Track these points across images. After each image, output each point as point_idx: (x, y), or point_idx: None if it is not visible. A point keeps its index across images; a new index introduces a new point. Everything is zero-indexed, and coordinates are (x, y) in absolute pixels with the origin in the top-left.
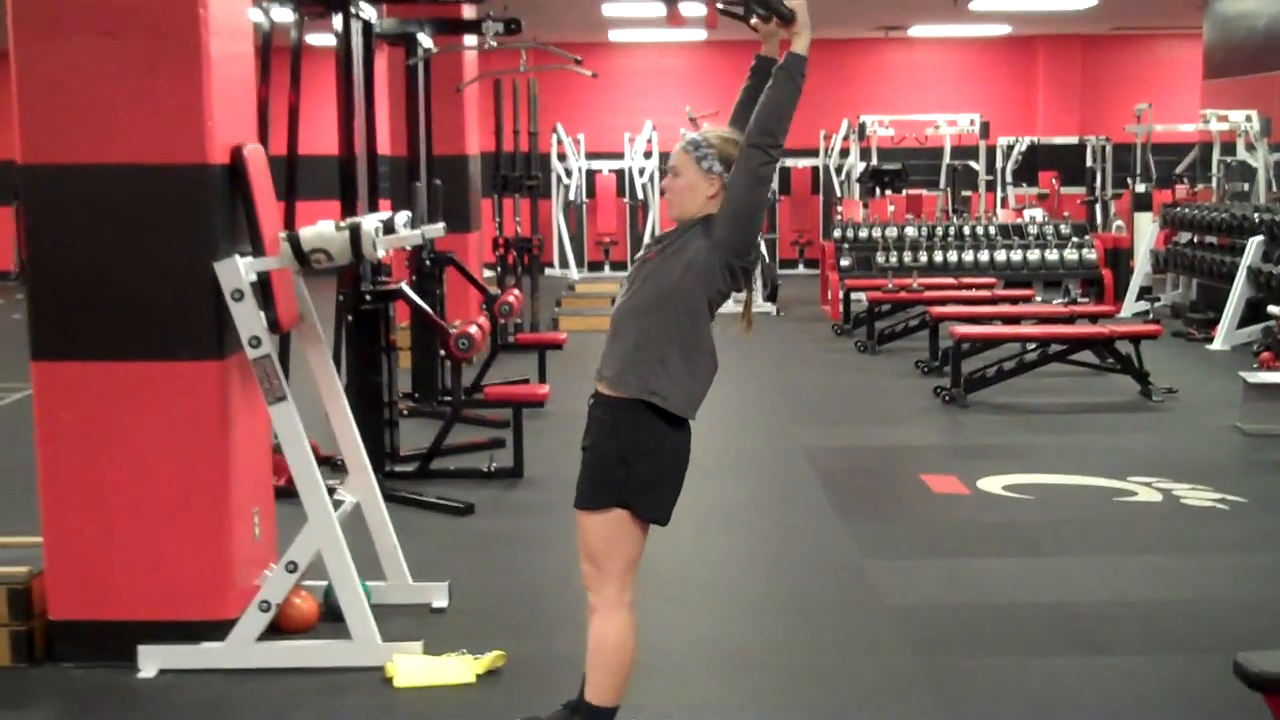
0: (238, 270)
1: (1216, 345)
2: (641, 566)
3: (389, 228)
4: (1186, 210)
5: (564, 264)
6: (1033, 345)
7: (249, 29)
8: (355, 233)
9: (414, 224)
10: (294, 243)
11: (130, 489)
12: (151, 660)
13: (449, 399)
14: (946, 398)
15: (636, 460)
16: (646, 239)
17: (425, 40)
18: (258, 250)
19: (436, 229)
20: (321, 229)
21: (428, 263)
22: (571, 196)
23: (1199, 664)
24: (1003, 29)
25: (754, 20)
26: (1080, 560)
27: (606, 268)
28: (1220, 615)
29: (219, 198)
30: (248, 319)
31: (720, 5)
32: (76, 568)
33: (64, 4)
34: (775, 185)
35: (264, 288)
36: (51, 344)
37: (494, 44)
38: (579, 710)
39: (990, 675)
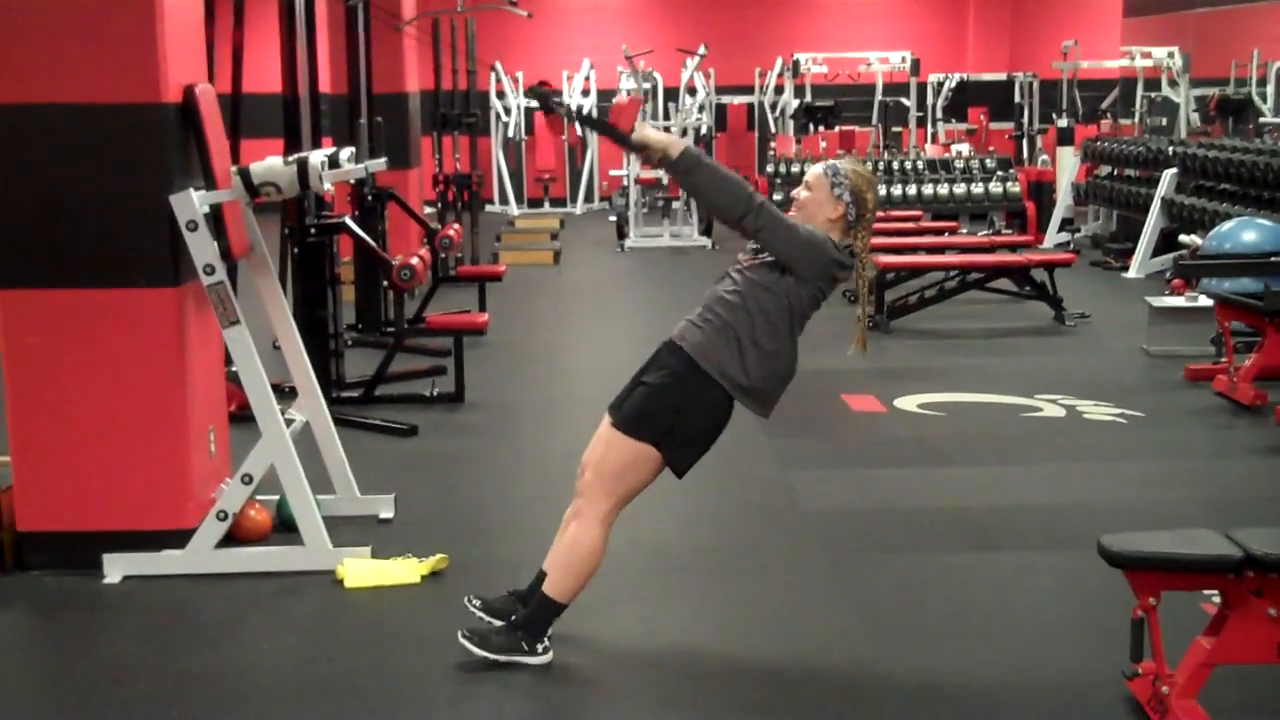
0: (192, 202)
1: (1132, 274)
2: (572, 478)
3: (334, 162)
4: (1106, 144)
5: (504, 200)
6: (953, 274)
7: None
8: (303, 166)
9: (357, 160)
10: (245, 176)
11: (93, 408)
12: (116, 567)
13: (392, 329)
14: (870, 324)
15: (689, 417)
16: (585, 175)
17: None
18: (210, 184)
19: (378, 164)
20: (270, 163)
21: (370, 198)
22: (510, 134)
23: (1083, 559)
24: None
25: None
26: (984, 470)
27: (546, 204)
28: (1110, 516)
29: (173, 134)
30: (202, 248)
31: (583, 124)
32: (43, 481)
33: None
34: (711, 121)
35: (216, 219)
36: (15, 273)
37: None
38: (531, 599)
39: (894, 571)
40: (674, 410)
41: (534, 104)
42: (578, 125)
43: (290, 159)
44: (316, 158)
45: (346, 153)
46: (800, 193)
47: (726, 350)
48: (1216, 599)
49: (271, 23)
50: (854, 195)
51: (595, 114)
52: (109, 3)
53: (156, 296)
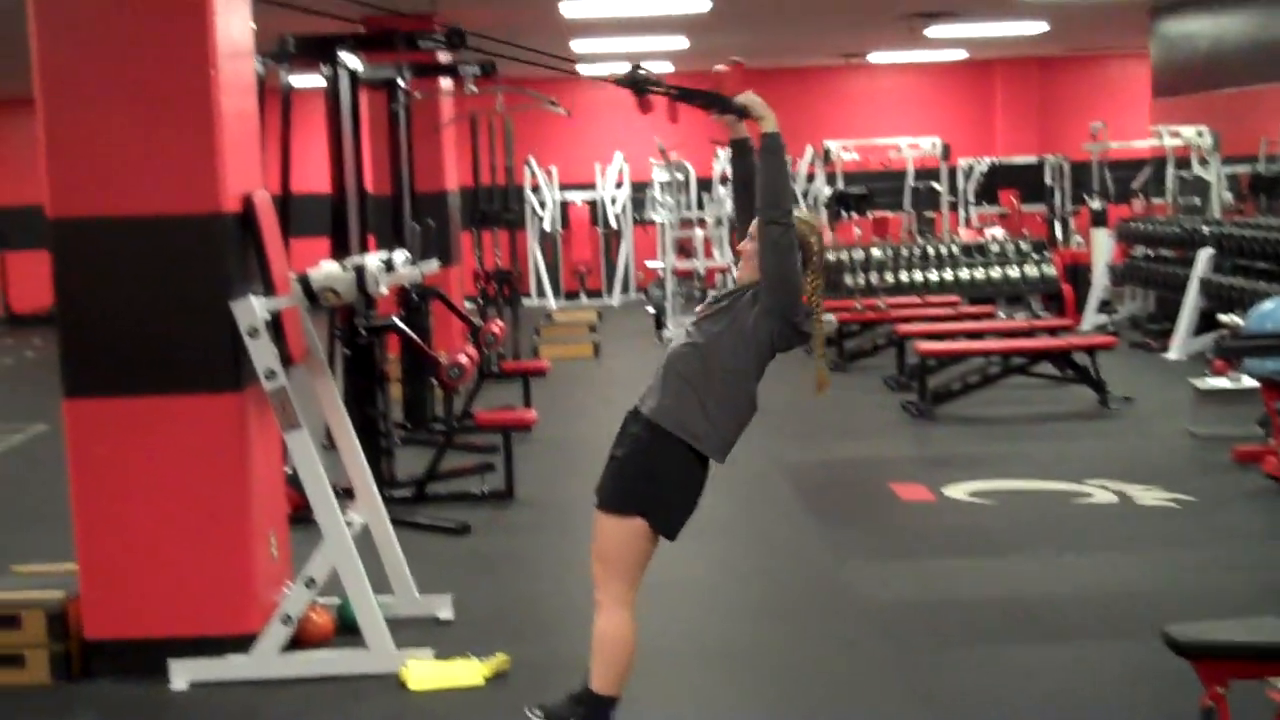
0: (253, 309)
1: (1172, 354)
2: (651, 580)
3: (389, 266)
4: (1141, 225)
5: (541, 294)
6: (995, 359)
7: (254, 85)
8: (361, 272)
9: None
10: (304, 283)
11: (158, 514)
12: (182, 673)
13: (439, 425)
14: (914, 411)
15: (663, 482)
16: (620, 267)
17: (406, 85)
18: (269, 289)
19: (432, 266)
20: (329, 269)
21: (415, 297)
22: (546, 227)
23: (1146, 647)
24: (960, 54)
25: (714, 114)
26: (1039, 558)
27: (583, 296)
28: (1168, 604)
29: (233, 242)
30: (263, 354)
31: (682, 99)
32: (109, 589)
33: (87, 69)
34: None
35: (276, 325)
36: (81, 383)
37: (474, 89)
38: (583, 699)
39: (956, 664)
40: (647, 477)
41: (568, 197)
42: (678, 102)
43: (348, 264)
44: (374, 262)
45: (401, 256)
46: (746, 245)
47: (686, 406)
48: None
49: (315, 122)
50: (800, 241)
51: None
52: (170, 117)
53: (219, 402)
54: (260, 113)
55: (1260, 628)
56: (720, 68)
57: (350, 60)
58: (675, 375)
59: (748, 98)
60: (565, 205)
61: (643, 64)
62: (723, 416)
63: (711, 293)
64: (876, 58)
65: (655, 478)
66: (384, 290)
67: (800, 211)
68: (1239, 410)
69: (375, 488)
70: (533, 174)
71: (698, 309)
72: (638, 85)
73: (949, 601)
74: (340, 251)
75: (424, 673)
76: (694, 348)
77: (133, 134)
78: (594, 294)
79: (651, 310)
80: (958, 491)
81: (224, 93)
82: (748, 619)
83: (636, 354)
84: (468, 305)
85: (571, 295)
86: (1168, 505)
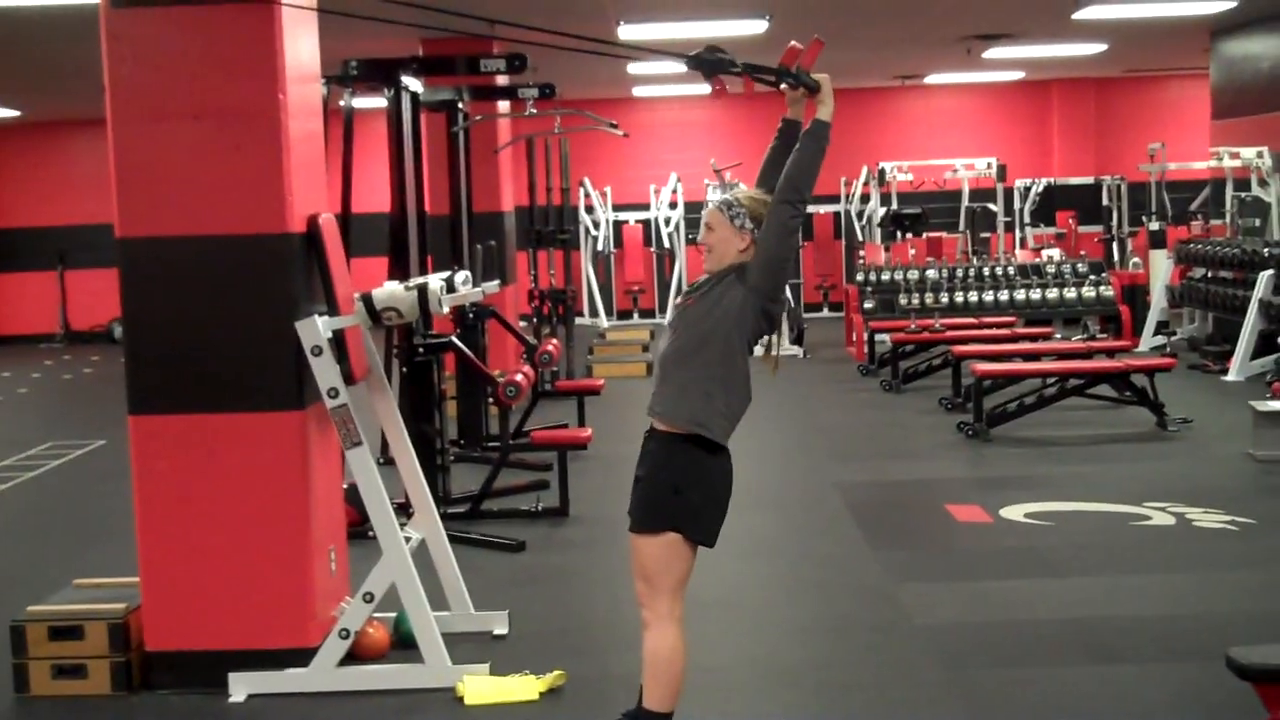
0: (317, 328)
1: (1231, 376)
2: (690, 593)
3: (450, 286)
4: (1200, 246)
5: (594, 313)
6: (1051, 380)
7: (319, 108)
8: (423, 292)
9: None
10: (368, 302)
11: (220, 529)
12: (241, 686)
13: (496, 444)
14: (969, 432)
15: (688, 489)
16: (674, 287)
17: (465, 107)
18: (332, 309)
19: (493, 286)
20: (391, 289)
21: (471, 316)
22: (600, 247)
23: (1207, 671)
24: (1016, 75)
25: (784, 86)
26: (1097, 580)
27: (635, 315)
28: (1228, 627)
29: (298, 263)
30: (326, 372)
31: (753, 76)
32: (170, 602)
33: (158, 91)
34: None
35: (339, 343)
36: (147, 399)
37: (534, 111)
38: (637, 717)
39: (1014, 686)
40: (672, 490)
41: (621, 217)
42: (755, 81)
43: (410, 284)
44: (435, 283)
45: (462, 276)
46: (703, 237)
47: (691, 400)
48: None
49: (375, 143)
50: (754, 220)
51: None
52: (239, 139)
53: (282, 419)
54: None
55: None
56: (797, 44)
57: (412, 83)
58: (672, 374)
59: (823, 77)
60: (619, 225)
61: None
62: (725, 398)
63: (686, 287)
64: (934, 79)
65: (678, 488)
66: (445, 310)
67: (749, 192)
68: None
69: (432, 504)
70: (586, 194)
71: (675, 301)
72: (706, 66)
73: (1005, 623)
74: (400, 271)
75: (480, 688)
76: (684, 342)
77: (201, 155)
78: (647, 313)
79: None
80: (1014, 513)
81: (291, 115)
82: (801, 639)
83: None
84: (522, 324)
85: (625, 314)
86: (1226, 528)
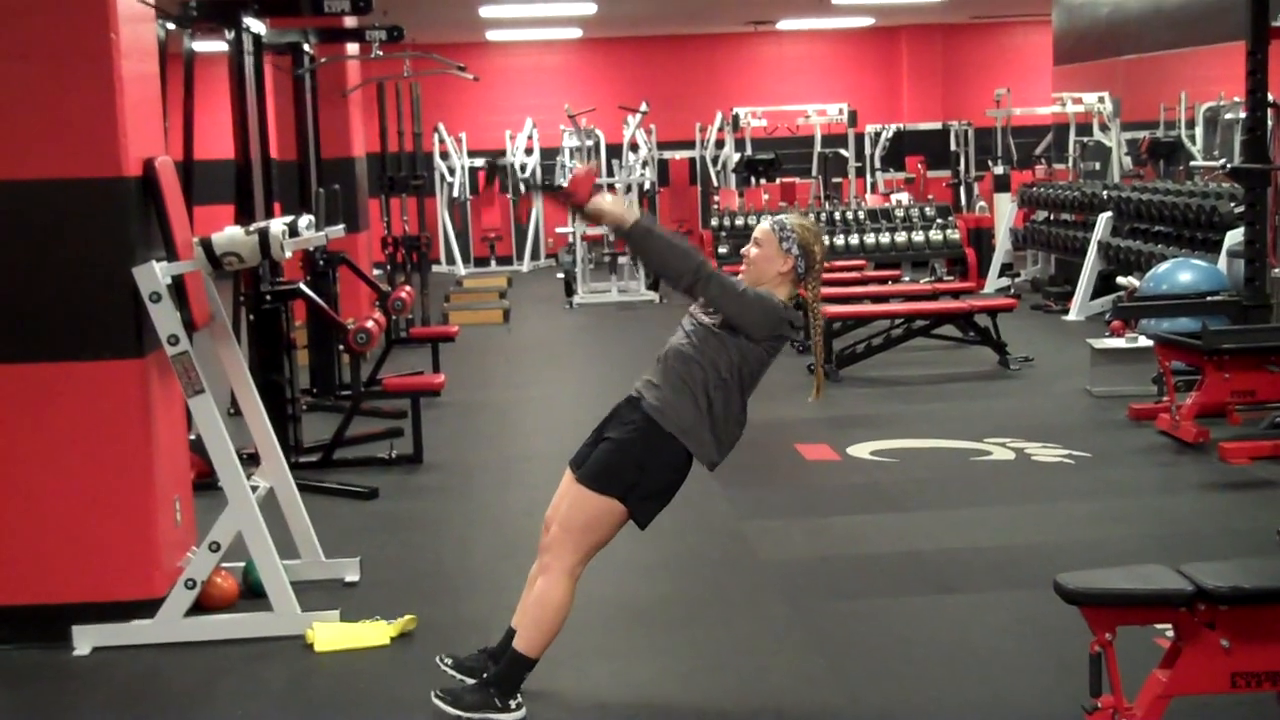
0: (155, 274)
1: (1072, 316)
2: (531, 534)
3: (293, 231)
4: (1042, 189)
5: (450, 260)
6: (898, 322)
7: (154, 49)
8: (264, 236)
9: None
10: (206, 247)
11: (60, 480)
12: (85, 639)
13: (348, 392)
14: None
15: (652, 472)
16: (530, 234)
17: (311, 49)
18: (171, 255)
19: (337, 230)
20: (232, 233)
21: (321, 263)
22: (455, 194)
23: (1039, 598)
24: (866, 21)
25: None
26: (938, 514)
27: (493, 262)
28: (1062, 555)
29: (134, 207)
30: (166, 319)
31: (546, 191)
32: (10, 555)
33: None
34: (654, 177)
35: (179, 290)
36: None
37: (380, 54)
38: (502, 656)
39: (855, 616)
40: (637, 465)
41: (477, 164)
42: (535, 196)
43: (251, 228)
44: (277, 227)
45: (305, 220)
46: (750, 250)
47: (685, 406)
48: (1170, 633)
49: (218, 88)
50: (802, 248)
51: (546, 182)
52: (69, 80)
53: (121, 368)
54: (162, 79)
55: (1145, 576)
56: (576, 171)
57: (254, 24)
58: (675, 374)
59: (596, 206)
60: (474, 171)
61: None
62: (711, 424)
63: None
64: (785, 25)
65: (645, 467)
66: (288, 255)
67: (799, 219)
68: (1135, 370)
69: (280, 452)
70: (441, 140)
71: (692, 309)
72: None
73: (849, 556)
74: (245, 218)
75: (330, 634)
76: (692, 351)
77: (30, 97)
78: (504, 260)
79: (562, 276)
80: (861, 451)
81: (124, 56)
82: (648, 577)
83: (547, 320)
84: (376, 272)
85: (482, 262)
86: (1063, 461)
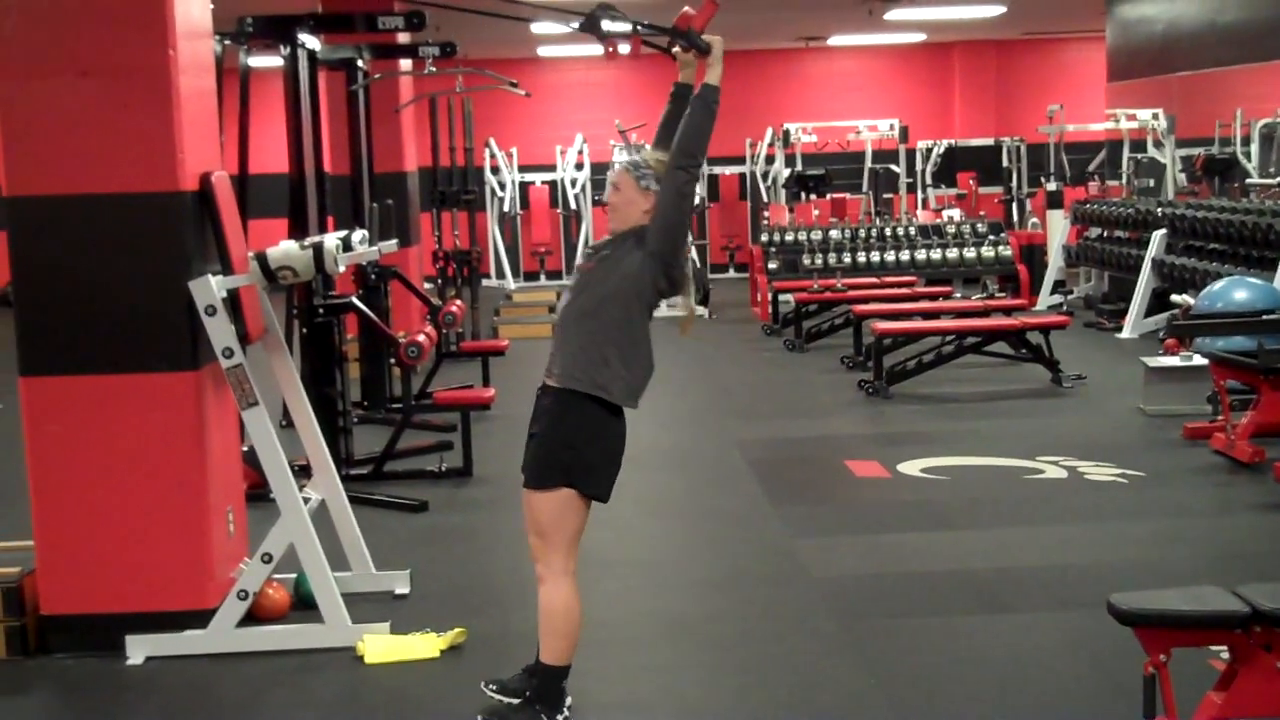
0: (210, 288)
1: (1125, 334)
2: (588, 550)
3: (347, 245)
4: (1096, 206)
5: (500, 274)
6: (949, 338)
7: (211, 64)
8: (319, 250)
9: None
10: (262, 261)
11: (115, 491)
12: (139, 648)
13: (398, 406)
14: (870, 390)
15: (582, 445)
16: (580, 248)
17: (365, 65)
18: (226, 268)
19: (390, 245)
20: (287, 248)
21: (373, 277)
22: (506, 208)
23: (1092, 618)
24: (918, 37)
25: (675, 49)
26: (989, 532)
27: (542, 277)
28: (1115, 576)
29: (191, 221)
30: (221, 332)
31: (644, 36)
32: (65, 565)
33: (43, 47)
34: (704, 192)
35: (234, 303)
36: (37, 361)
37: (434, 69)
38: (535, 672)
39: (906, 635)
40: (566, 445)
41: (528, 178)
42: (643, 38)
43: (306, 243)
44: (331, 241)
45: (359, 235)
46: (609, 196)
47: (589, 362)
48: (1225, 655)
49: (273, 103)
50: (659, 181)
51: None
52: (128, 97)
53: (176, 380)
54: (219, 94)
55: (1201, 597)
56: (689, 9)
57: (309, 40)
58: (571, 336)
59: (715, 40)
60: (525, 186)
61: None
62: (626, 363)
63: (585, 248)
64: (836, 40)
65: (574, 444)
66: (341, 269)
67: (654, 153)
68: (1189, 388)
69: (332, 465)
70: (492, 155)
71: (578, 263)
72: (599, 28)
73: (900, 574)
74: (299, 232)
75: (380, 646)
76: (584, 304)
77: (90, 112)
78: (554, 275)
79: None
80: (911, 468)
81: (182, 71)
82: (699, 593)
83: None
84: (427, 286)
85: (531, 276)
86: (1116, 480)
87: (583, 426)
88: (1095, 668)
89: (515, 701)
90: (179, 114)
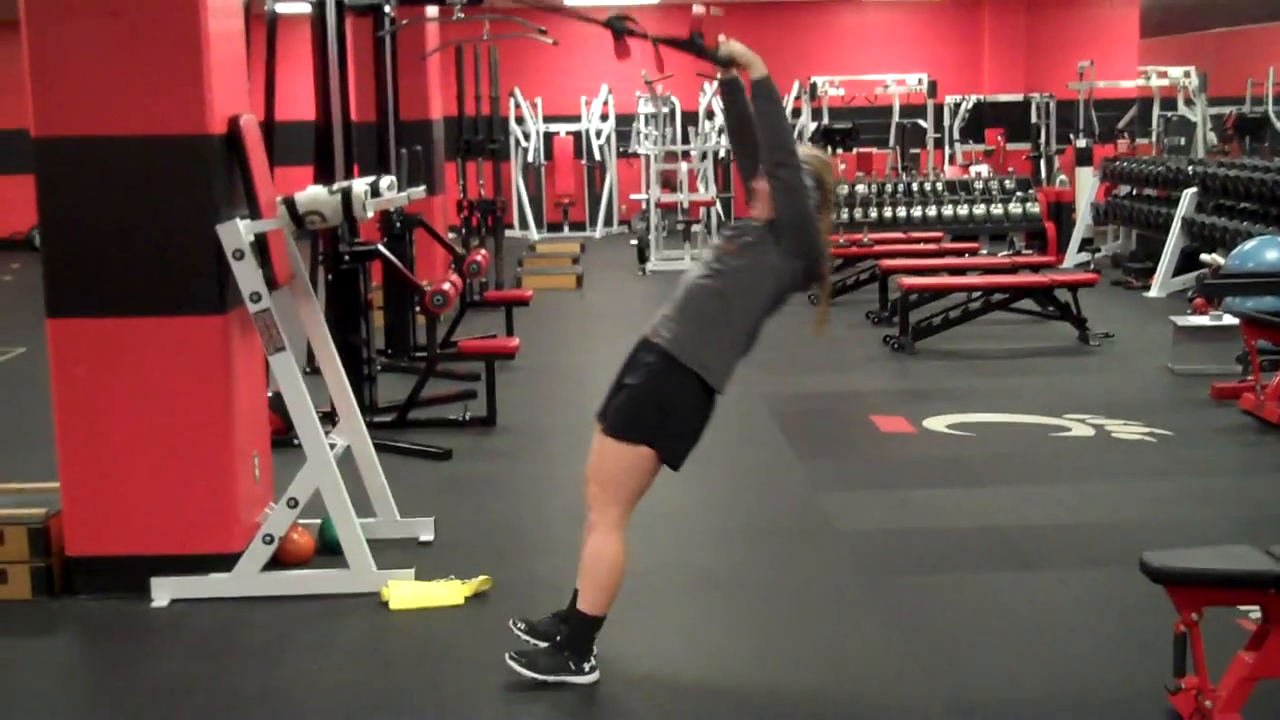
0: (238, 232)
1: (1153, 293)
2: None
3: (375, 191)
4: (1125, 164)
5: (524, 225)
6: (976, 295)
7: (239, 6)
8: (347, 195)
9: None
10: (290, 205)
11: (141, 434)
12: (163, 591)
13: (422, 354)
14: (895, 345)
15: (673, 411)
16: (604, 200)
17: (391, 11)
18: (254, 213)
19: (418, 192)
20: (315, 193)
21: (398, 225)
22: (530, 159)
23: (1120, 575)
24: None
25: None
26: (1016, 489)
27: (565, 228)
28: (1143, 534)
29: (219, 165)
30: (249, 276)
31: (662, 42)
32: (91, 507)
33: None
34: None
35: (261, 248)
36: (65, 303)
37: (461, 15)
38: (569, 618)
39: (931, 591)
40: (658, 407)
41: (552, 129)
42: (657, 48)
43: (335, 188)
44: (360, 186)
45: (387, 181)
46: (758, 182)
47: (703, 340)
48: (1254, 615)
49: (299, 49)
50: (815, 179)
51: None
52: (156, 36)
53: (203, 324)
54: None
55: (1235, 556)
56: (698, 10)
57: None
58: (695, 308)
59: (731, 48)
60: (549, 137)
61: (627, 13)
62: (735, 349)
63: (727, 226)
64: None
65: (666, 408)
66: (370, 214)
67: (811, 149)
68: (1218, 348)
69: (358, 411)
70: (517, 105)
71: (716, 241)
72: (618, 29)
73: (926, 530)
74: (325, 178)
75: (405, 592)
76: (716, 283)
77: (118, 53)
78: (576, 226)
79: (635, 243)
80: (937, 424)
81: (211, 13)
82: (729, 546)
83: (619, 286)
84: (450, 235)
85: (554, 227)
86: (1144, 439)
87: (680, 395)
88: (1122, 625)
89: (543, 645)
90: (208, 56)
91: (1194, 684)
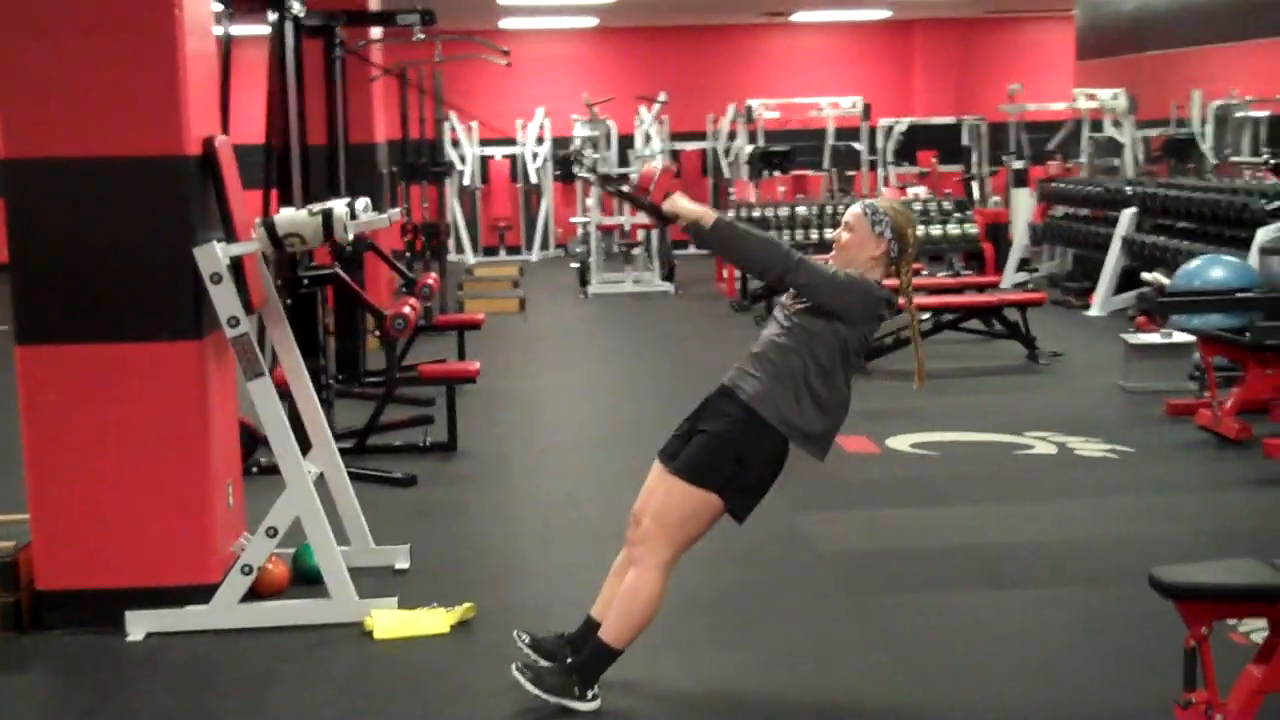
0: (216, 255)
1: (1094, 311)
2: (597, 527)
3: (353, 213)
4: (1063, 185)
5: (460, 249)
6: (925, 315)
7: (212, 27)
8: (328, 218)
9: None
10: (269, 228)
11: (114, 464)
12: (139, 624)
13: (373, 379)
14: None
15: (749, 466)
16: (540, 224)
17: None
18: (230, 236)
19: (395, 214)
20: (293, 215)
21: (349, 249)
22: (466, 182)
23: (1095, 593)
24: (883, 14)
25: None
26: (985, 508)
27: (502, 252)
28: (1114, 550)
29: (194, 186)
30: (227, 301)
31: (612, 190)
32: (63, 539)
33: (45, 5)
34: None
35: (237, 271)
36: (36, 329)
37: (422, 36)
38: (585, 644)
39: (917, 610)
40: (735, 458)
41: (488, 152)
42: (600, 189)
43: (314, 209)
44: (340, 208)
45: (363, 203)
46: (841, 234)
47: (784, 397)
48: (1243, 629)
49: (251, 72)
50: (895, 232)
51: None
52: (132, 58)
53: (179, 350)
54: None
55: (1241, 570)
56: (649, 168)
57: (295, 5)
58: (771, 365)
59: (675, 205)
60: (485, 160)
61: (584, 150)
62: (820, 409)
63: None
64: (800, 16)
65: (743, 460)
66: (351, 236)
67: (891, 201)
68: (1169, 365)
69: (331, 438)
70: (452, 128)
71: (783, 299)
72: (570, 170)
73: (903, 550)
74: (288, 203)
75: (389, 622)
76: (789, 340)
77: (93, 73)
78: (513, 250)
79: (576, 266)
80: (901, 443)
81: (188, 33)
82: (713, 569)
83: (561, 310)
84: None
85: (490, 250)
86: (1107, 456)
87: (758, 451)
88: (1110, 641)
89: (549, 664)
90: (184, 75)
91: (1204, 698)
